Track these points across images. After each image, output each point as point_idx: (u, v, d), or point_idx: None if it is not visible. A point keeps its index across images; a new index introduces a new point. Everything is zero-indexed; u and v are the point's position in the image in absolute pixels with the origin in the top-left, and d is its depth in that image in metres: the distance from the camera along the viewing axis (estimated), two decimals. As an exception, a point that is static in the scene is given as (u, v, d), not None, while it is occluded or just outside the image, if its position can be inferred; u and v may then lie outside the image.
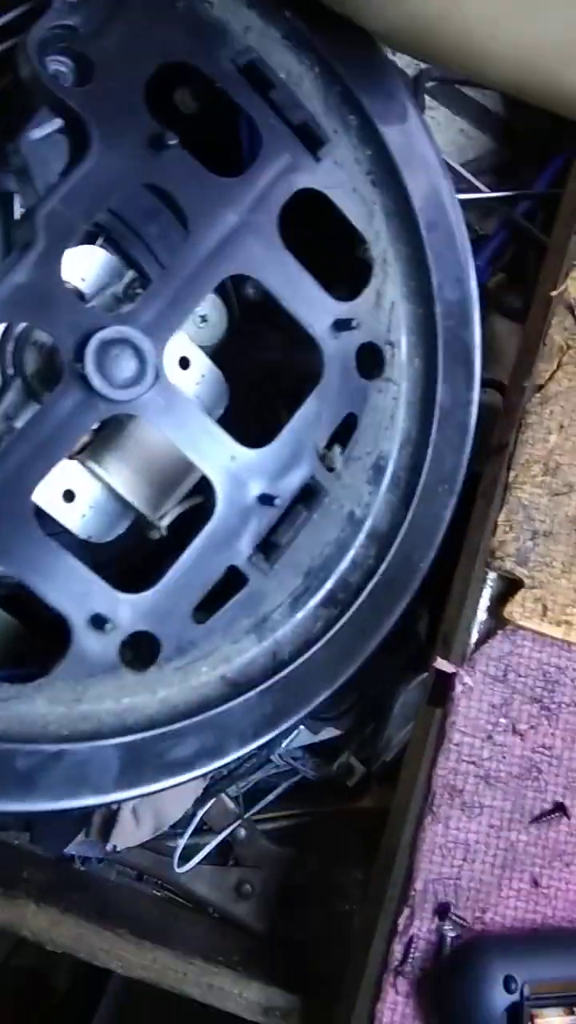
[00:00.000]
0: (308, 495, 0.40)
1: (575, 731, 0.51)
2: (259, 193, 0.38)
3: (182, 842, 0.71)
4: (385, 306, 0.41)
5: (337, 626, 0.40)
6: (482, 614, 0.50)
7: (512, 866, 0.50)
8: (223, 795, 0.72)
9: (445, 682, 0.50)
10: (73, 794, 0.34)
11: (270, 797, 0.72)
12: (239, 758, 0.39)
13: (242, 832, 0.72)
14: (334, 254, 0.41)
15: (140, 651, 0.37)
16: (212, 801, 0.72)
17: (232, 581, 0.40)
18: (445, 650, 0.51)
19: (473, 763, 0.50)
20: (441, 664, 0.49)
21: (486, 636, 0.50)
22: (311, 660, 0.40)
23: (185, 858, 0.71)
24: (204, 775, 0.37)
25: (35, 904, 0.65)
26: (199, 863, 0.72)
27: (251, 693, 0.38)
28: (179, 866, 0.71)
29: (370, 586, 0.41)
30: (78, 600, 0.36)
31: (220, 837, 0.72)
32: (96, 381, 0.34)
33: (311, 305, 0.39)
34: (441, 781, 0.49)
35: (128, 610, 0.36)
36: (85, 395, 0.35)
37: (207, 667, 0.38)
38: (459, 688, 0.49)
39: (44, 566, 0.35)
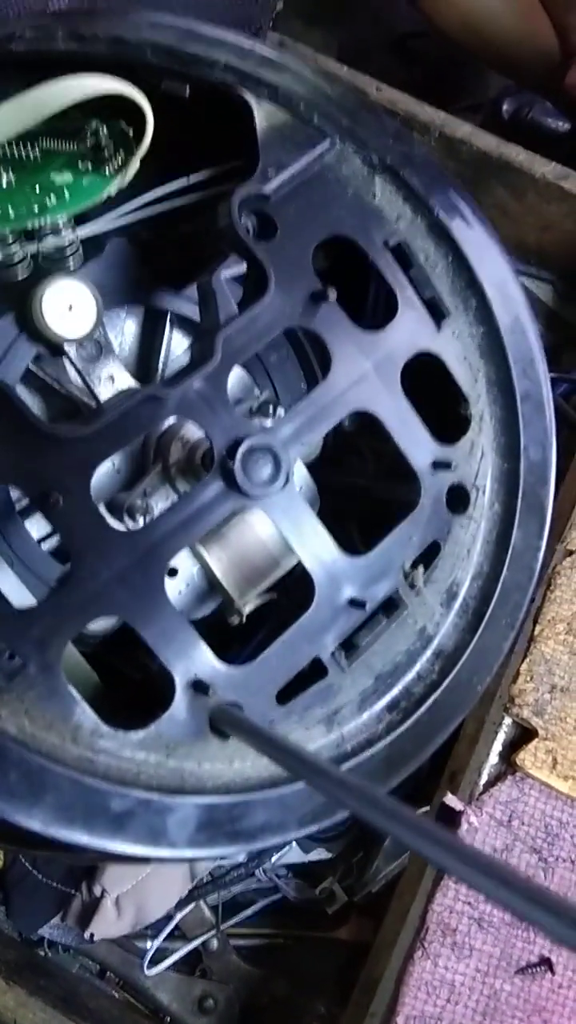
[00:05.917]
0: (389, 606, 0.45)
1: (568, 887, 0.52)
2: (390, 348, 0.46)
3: (156, 943, 0.70)
4: (477, 455, 0.47)
5: (400, 730, 0.44)
6: (494, 757, 0.53)
7: (492, 1015, 0.50)
8: (201, 902, 0.72)
9: (451, 818, 0.51)
10: (153, 843, 0.37)
11: (248, 912, 0.72)
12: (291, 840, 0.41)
13: (214, 943, 0.71)
14: (438, 406, 0.48)
15: (227, 721, 0.41)
16: (192, 906, 0.72)
17: (311, 673, 0.44)
18: (451, 787, 0.53)
19: (469, 903, 0.50)
20: (451, 800, 0.51)
21: (495, 779, 0.52)
22: (372, 758, 0.43)
23: (154, 961, 0.70)
24: (265, 849, 0.40)
25: (4, 981, 0.64)
26: (167, 969, 0.70)
27: (316, 778, 0.41)
28: (148, 968, 0.70)
29: (432, 698, 0.45)
30: (185, 663, 0.40)
31: (193, 944, 0.72)
32: (240, 477, 0.40)
33: (418, 444, 0.46)
34: (436, 917, 0.50)
35: (225, 681, 0.40)
36: (226, 488, 0.41)
37: (280, 747, 0.42)
38: (465, 827, 0.51)
39: (165, 627, 0.39)
